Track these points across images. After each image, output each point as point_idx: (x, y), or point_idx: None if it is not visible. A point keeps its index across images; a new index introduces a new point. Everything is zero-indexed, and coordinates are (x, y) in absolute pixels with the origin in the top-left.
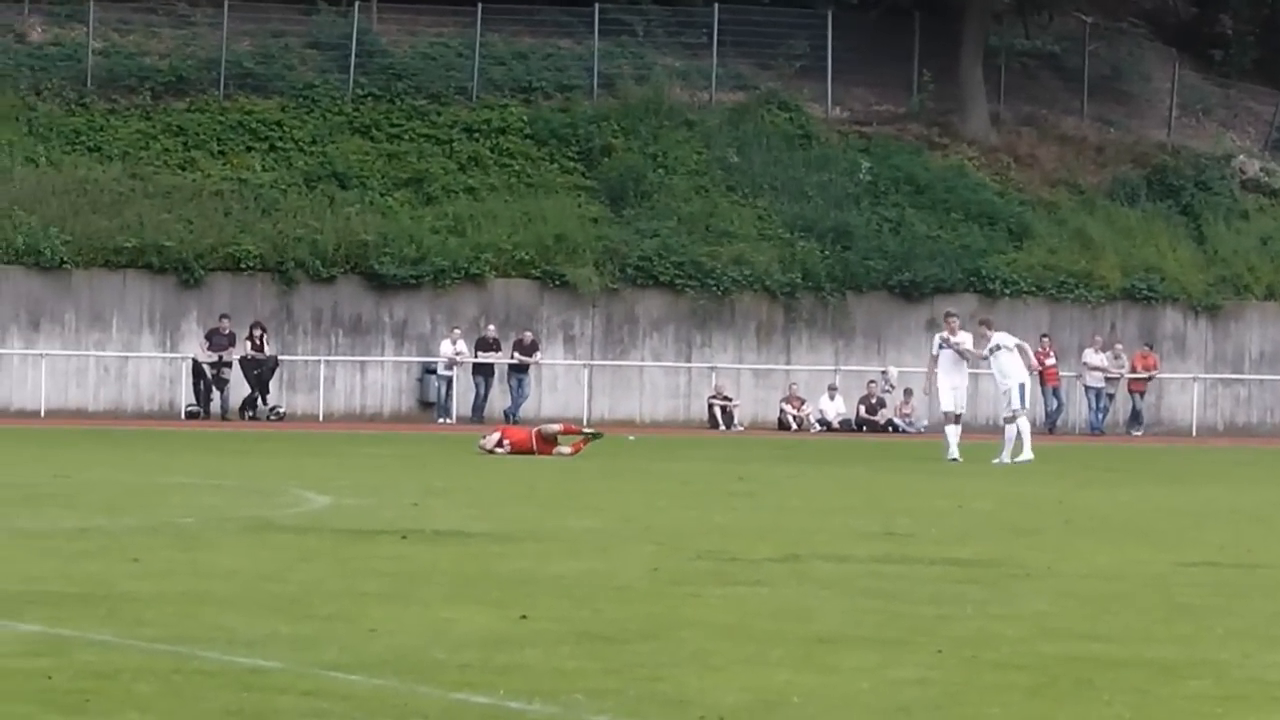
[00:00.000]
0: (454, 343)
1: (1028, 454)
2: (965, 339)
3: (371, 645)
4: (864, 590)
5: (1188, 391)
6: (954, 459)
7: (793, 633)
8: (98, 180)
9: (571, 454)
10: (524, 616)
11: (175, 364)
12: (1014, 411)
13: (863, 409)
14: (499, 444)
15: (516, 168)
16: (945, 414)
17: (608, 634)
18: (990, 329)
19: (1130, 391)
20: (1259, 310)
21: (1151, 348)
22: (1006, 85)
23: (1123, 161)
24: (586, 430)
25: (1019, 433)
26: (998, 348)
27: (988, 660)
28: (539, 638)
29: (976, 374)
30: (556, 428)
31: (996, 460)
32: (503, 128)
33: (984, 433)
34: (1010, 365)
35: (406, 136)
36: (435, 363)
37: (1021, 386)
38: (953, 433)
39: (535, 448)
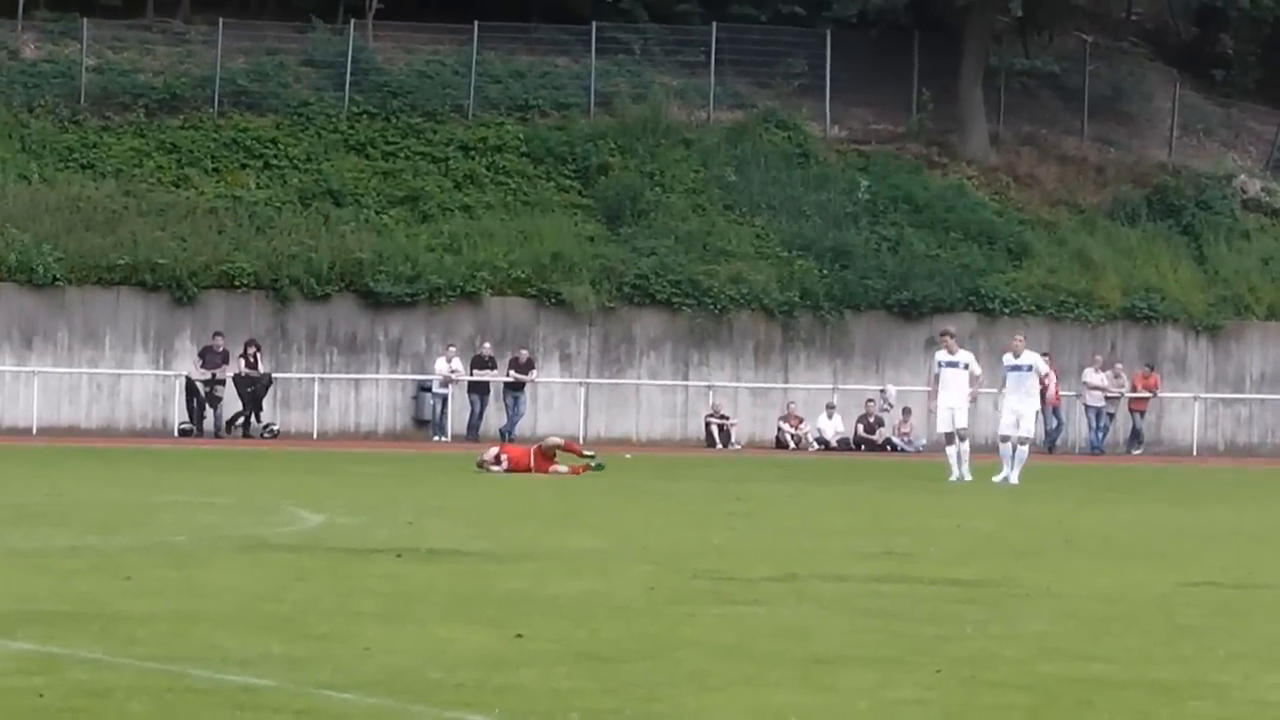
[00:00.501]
0: (449, 361)
1: (1016, 478)
2: (967, 357)
3: (366, 665)
4: (863, 610)
5: (1188, 411)
6: (957, 478)
7: (791, 653)
8: (91, 197)
9: (568, 474)
10: (520, 636)
11: (169, 381)
12: (1025, 436)
13: (861, 428)
14: (496, 460)
15: (513, 186)
16: (946, 435)
17: (604, 654)
18: (1024, 346)
19: (1130, 411)
20: (1260, 330)
21: (1153, 368)
22: (1006, 105)
23: (1123, 181)
24: (588, 454)
25: (1022, 456)
26: (1030, 367)
27: (987, 680)
28: (535, 657)
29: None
30: (558, 441)
31: (999, 478)
32: (499, 146)
33: (982, 453)
34: (1034, 387)
35: (402, 154)
36: (430, 381)
37: (1038, 413)
38: (953, 453)
39: (533, 465)
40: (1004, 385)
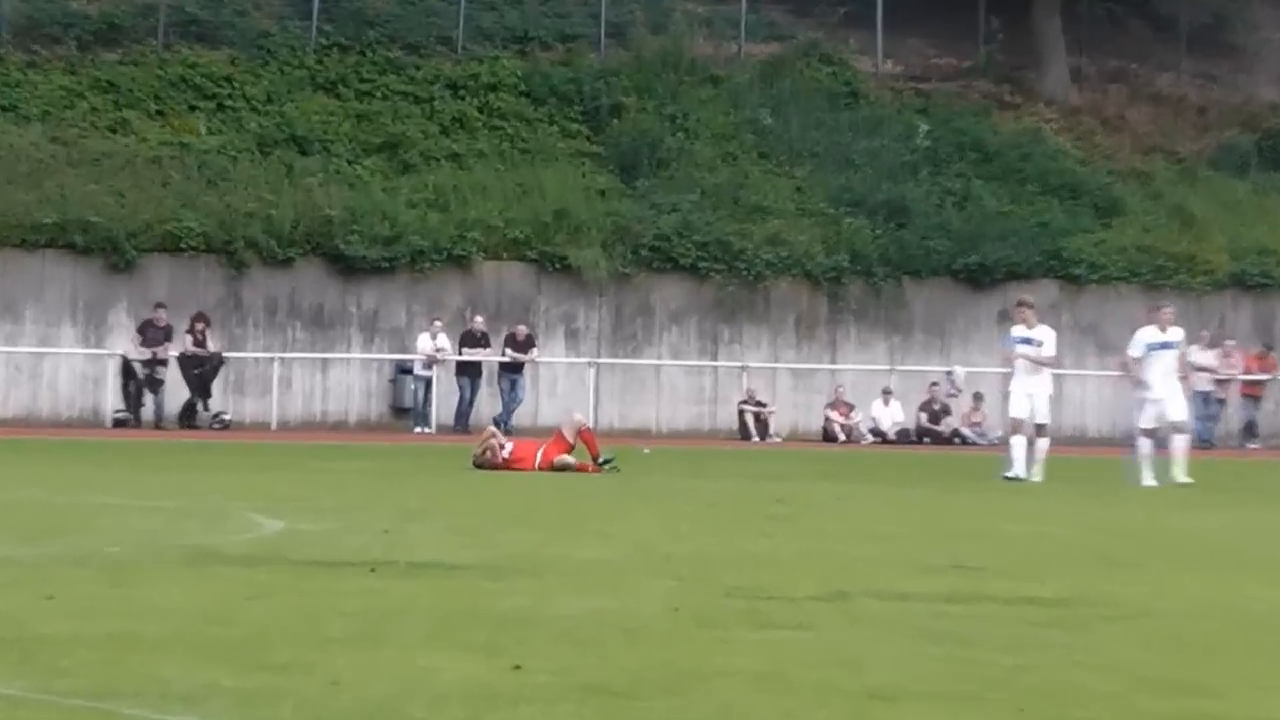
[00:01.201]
0: (434, 337)
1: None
2: (1045, 334)
3: (334, 700)
4: (926, 634)
5: None
6: (1015, 476)
7: (841, 685)
8: (13, 145)
9: (576, 469)
10: (518, 666)
11: (101, 362)
12: (1181, 421)
13: (924, 417)
14: (500, 447)
15: (509, 131)
16: (1013, 421)
17: (619, 687)
18: (1172, 319)
19: (1243, 396)
20: None
21: (1270, 348)
22: (1089, 36)
23: (1229, 125)
24: (606, 456)
25: (1183, 446)
26: (1177, 344)
27: (1076, 719)
28: (536, 692)
29: (1086, 376)
30: (583, 419)
31: (1182, 478)
32: (493, 84)
33: (1068, 446)
34: (1176, 368)
35: (379, 94)
36: (412, 361)
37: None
38: (1018, 444)
39: (539, 461)
40: (1133, 368)
